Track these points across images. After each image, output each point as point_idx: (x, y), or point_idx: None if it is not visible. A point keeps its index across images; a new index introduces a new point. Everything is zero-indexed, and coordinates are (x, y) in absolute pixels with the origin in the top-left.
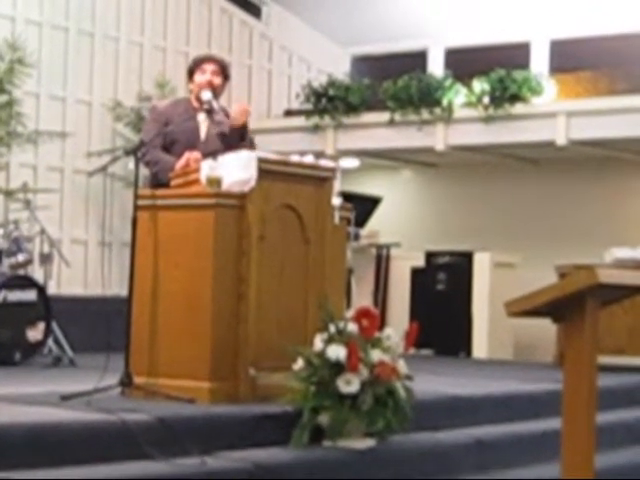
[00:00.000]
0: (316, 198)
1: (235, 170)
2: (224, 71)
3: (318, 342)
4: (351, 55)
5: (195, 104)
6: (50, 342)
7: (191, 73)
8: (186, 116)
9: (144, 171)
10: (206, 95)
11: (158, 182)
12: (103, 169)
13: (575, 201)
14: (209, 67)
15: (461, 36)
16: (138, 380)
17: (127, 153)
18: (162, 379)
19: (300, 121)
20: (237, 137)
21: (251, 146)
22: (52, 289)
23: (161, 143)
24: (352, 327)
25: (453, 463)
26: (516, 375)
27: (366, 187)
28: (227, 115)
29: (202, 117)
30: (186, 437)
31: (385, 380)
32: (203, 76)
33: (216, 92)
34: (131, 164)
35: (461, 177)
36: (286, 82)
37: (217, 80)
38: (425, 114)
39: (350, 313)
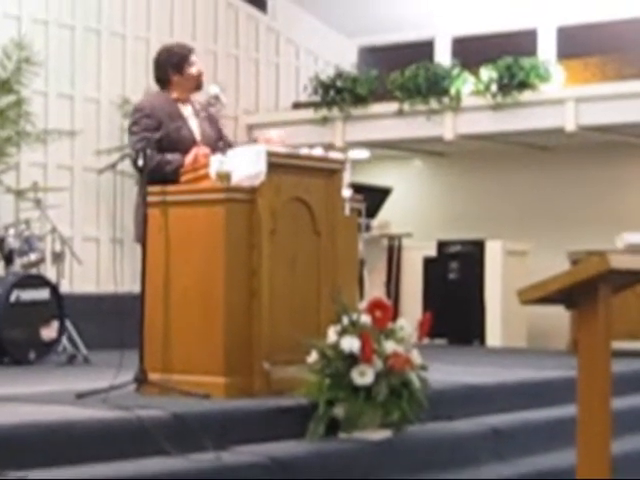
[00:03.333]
0: (326, 190)
1: (245, 164)
2: None
3: (332, 334)
4: (358, 46)
5: (176, 96)
6: (64, 340)
7: (179, 66)
8: (174, 114)
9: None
10: (214, 89)
11: (154, 179)
12: (113, 166)
13: (585, 187)
14: (196, 58)
15: (468, 25)
16: (153, 377)
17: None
18: (177, 375)
19: (308, 113)
20: None
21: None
22: (65, 287)
23: (157, 146)
24: (365, 318)
25: (469, 452)
26: (530, 363)
27: (376, 178)
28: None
29: (188, 112)
30: (202, 432)
31: (399, 371)
32: (195, 67)
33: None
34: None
35: (471, 166)
36: (293, 75)
37: None
38: (433, 103)
39: (363, 304)
